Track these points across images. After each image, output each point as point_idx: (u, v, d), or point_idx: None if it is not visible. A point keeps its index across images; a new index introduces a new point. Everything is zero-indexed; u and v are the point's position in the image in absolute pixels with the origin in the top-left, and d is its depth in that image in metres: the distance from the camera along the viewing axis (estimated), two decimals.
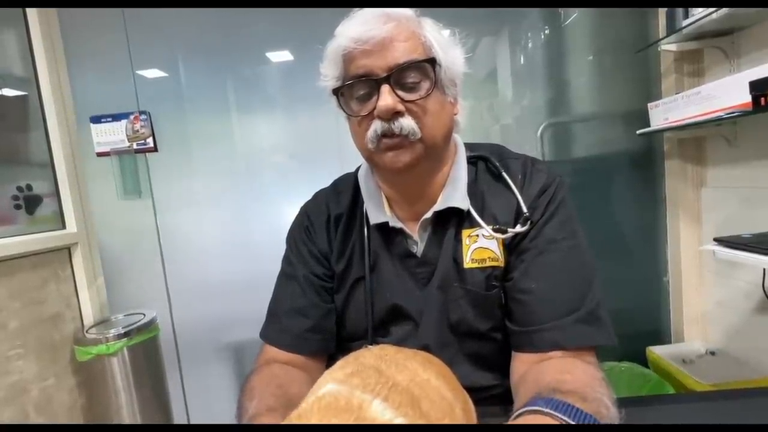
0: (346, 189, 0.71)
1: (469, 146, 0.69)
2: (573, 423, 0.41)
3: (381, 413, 0.34)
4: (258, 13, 1.54)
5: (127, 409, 1.30)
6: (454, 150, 0.67)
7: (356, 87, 0.58)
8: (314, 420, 0.33)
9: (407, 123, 0.56)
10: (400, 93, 0.56)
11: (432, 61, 0.57)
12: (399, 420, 0.34)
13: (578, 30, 1.58)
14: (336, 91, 0.60)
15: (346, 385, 0.36)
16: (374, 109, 0.56)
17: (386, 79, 0.56)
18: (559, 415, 0.42)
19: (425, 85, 0.57)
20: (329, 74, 0.61)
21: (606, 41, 1.57)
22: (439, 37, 0.60)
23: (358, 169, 0.73)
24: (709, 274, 1.50)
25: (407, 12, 0.60)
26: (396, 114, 0.56)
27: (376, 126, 0.57)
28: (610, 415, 0.45)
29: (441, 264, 0.63)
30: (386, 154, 0.58)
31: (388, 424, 0.33)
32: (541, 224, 0.60)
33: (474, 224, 0.62)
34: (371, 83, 0.57)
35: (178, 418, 1.60)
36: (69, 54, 1.42)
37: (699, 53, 1.43)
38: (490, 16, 1.58)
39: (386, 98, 0.55)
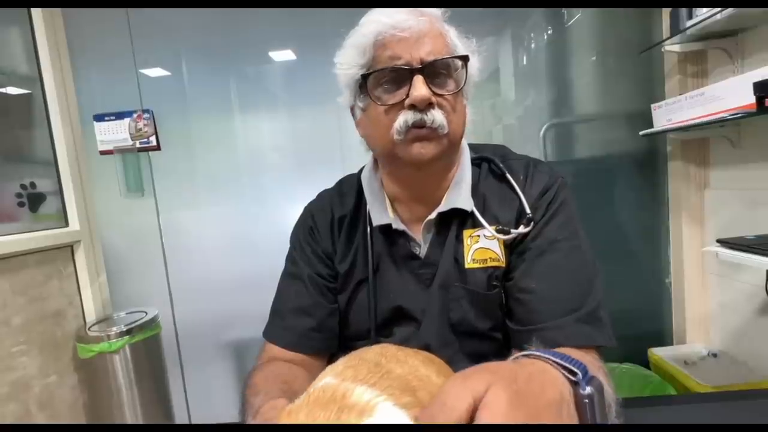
0: (350, 190, 0.71)
1: (472, 147, 0.69)
2: (567, 365, 0.36)
3: (361, 396, 0.33)
4: (261, 13, 1.54)
5: (128, 407, 1.31)
6: (460, 152, 0.67)
7: (386, 75, 0.57)
8: (302, 416, 0.33)
9: (438, 116, 0.56)
10: (431, 86, 0.56)
11: (465, 59, 0.58)
12: (381, 399, 0.33)
13: (581, 30, 1.58)
14: (364, 77, 0.58)
15: (338, 378, 0.36)
16: (404, 98, 0.56)
17: (420, 70, 0.55)
18: (554, 359, 0.36)
19: (453, 82, 0.58)
20: (350, 62, 0.59)
21: (609, 42, 1.57)
22: (464, 42, 0.61)
23: (361, 170, 0.73)
24: (711, 276, 1.50)
25: (437, 12, 0.60)
26: (428, 105, 0.56)
27: (407, 116, 0.56)
28: (607, 391, 0.41)
29: (442, 264, 0.63)
30: (413, 145, 0.57)
31: (389, 424, 0.33)
32: (542, 224, 0.60)
33: (476, 225, 0.62)
34: (404, 72, 0.56)
35: (180, 416, 1.61)
36: (73, 52, 1.42)
37: (703, 54, 1.42)
38: (493, 16, 1.58)
39: (421, 88, 0.55)
